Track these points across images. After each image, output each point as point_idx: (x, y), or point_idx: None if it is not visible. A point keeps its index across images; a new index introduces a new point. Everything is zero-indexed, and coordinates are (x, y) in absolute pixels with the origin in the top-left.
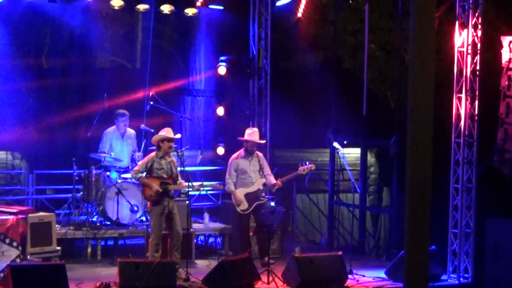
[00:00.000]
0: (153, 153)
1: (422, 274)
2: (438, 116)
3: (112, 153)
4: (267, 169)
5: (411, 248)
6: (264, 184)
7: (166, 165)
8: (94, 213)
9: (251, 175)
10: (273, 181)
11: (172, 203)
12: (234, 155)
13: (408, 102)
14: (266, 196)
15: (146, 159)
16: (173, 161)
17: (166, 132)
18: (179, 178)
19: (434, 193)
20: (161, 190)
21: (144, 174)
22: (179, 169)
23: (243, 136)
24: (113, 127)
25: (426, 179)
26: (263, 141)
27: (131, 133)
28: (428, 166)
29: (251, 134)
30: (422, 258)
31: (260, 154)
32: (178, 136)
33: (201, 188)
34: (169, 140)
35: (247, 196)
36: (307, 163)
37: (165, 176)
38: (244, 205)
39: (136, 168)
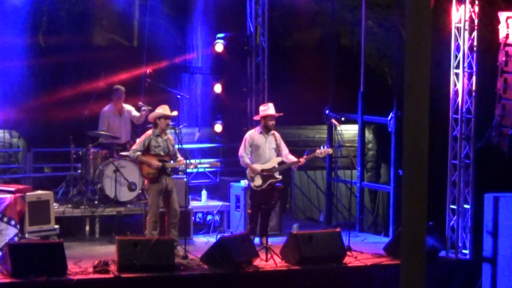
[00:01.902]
0: (149, 131)
1: (419, 251)
2: (436, 93)
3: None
4: (285, 149)
5: (408, 224)
6: (282, 162)
7: (163, 143)
8: (92, 191)
9: (266, 152)
10: (294, 158)
11: (170, 180)
12: (251, 131)
13: (405, 79)
14: (280, 176)
15: (143, 137)
16: (169, 138)
17: (163, 110)
18: (178, 155)
19: (433, 169)
20: (161, 165)
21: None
22: (176, 146)
23: (247, 115)
24: (109, 105)
25: (422, 155)
26: (281, 114)
27: (128, 109)
28: (425, 142)
29: (268, 108)
30: (419, 235)
31: (277, 134)
32: (175, 113)
33: (199, 166)
34: (166, 117)
35: (262, 173)
36: (325, 146)
37: (162, 153)
38: (259, 180)
39: (133, 147)
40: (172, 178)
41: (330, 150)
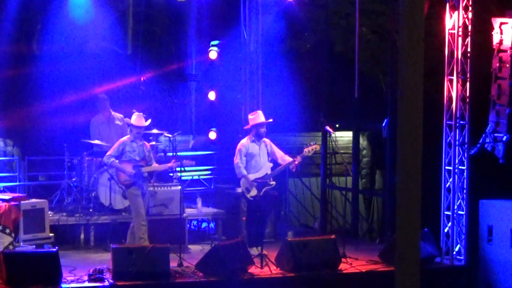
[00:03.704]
0: (125, 137)
1: (413, 257)
2: (430, 99)
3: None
4: (279, 152)
5: (403, 230)
6: (274, 167)
7: (138, 148)
8: (87, 199)
9: (261, 160)
10: (289, 159)
11: (145, 186)
12: (243, 140)
13: (398, 85)
14: (274, 181)
15: (117, 143)
16: (145, 144)
17: (134, 120)
18: (153, 161)
19: (427, 175)
20: (134, 171)
21: (116, 159)
22: (161, 153)
23: (241, 123)
24: (98, 114)
25: (416, 161)
26: (270, 120)
27: (118, 116)
28: (419, 148)
29: (257, 116)
30: (413, 241)
31: (267, 139)
32: (144, 123)
33: (176, 167)
34: (136, 127)
35: (256, 181)
36: (311, 143)
37: (137, 158)
38: (254, 191)
39: (108, 152)
40: (148, 183)
41: (317, 147)
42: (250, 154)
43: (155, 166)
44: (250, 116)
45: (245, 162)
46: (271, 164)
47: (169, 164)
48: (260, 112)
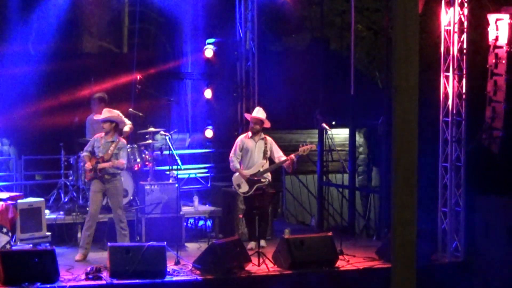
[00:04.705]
0: (100, 133)
1: (409, 253)
2: (427, 96)
3: None
4: (278, 152)
5: (399, 227)
6: (268, 165)
7: (104, 145)
8: (84, 198)
9: (255, 157)
10: (284, 159)
11: (108, 184)
12: (242, 135)
13: (392, 82)
14: (268, 179)
15: (92, 138)
16: (117, 141)
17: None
18: (120, 158)
19: (424, 172)
20: (90, 167)
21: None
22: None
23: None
24: (93, 113)
25: (412, 157)
26: (260, 117)
27: None
28: (414, 144)
29: (253, 112)
30: (410, 238)
31: (268, 138)
32: (101, 117)
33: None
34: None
35: (248, 178)
36: (306, 143)
37: (100, 155)
38: (245, 187)
39: (86, 147)
40: (111, 181)
41: (313, 146)
42: (246, 149)
43: (104, 164)
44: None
45: (240, 157)
46: (265, 162)
47: (108, 164)
48: (257, 109)
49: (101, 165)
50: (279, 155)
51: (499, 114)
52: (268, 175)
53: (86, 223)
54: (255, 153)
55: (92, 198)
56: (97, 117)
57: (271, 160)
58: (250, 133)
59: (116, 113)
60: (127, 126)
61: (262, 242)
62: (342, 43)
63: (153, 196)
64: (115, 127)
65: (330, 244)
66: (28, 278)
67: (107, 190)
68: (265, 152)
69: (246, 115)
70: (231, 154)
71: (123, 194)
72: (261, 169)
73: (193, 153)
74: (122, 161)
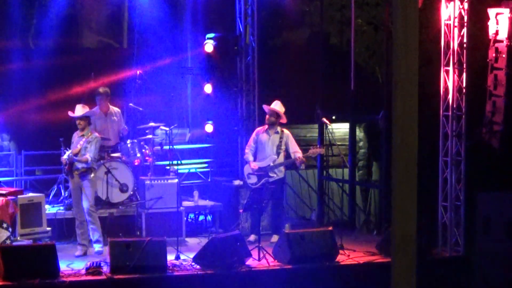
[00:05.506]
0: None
1: (410, 248)
2: (427, 90)
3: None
4: (294, 147)
5: (399, 221)
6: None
7: (77, 140)
8: None
9: (267, 150)
10: (298, 156)
11: (75, 178)
12: (259, 128)
13: (392, 76)
14: (277, 175)
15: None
16: (88, 136)
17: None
18: (86, 153)
19: (425, 166)
20: (63, 162)
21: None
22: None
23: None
24: (95, 107)
25: (412, 152)
26: (274, 108)
27: (115, 111)
28: (414, 139)
29: (272, 104)
30: (410, 232)
31: (286, 132)
32: (72, 114)
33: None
34: (73, 118)
35: (258, 171)
36: (317, 146)
37: (74, 150)
38: (254, 179)
39: None
40: (79, 176)
41: (322, 150)
42: (260, 141)
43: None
44: None
45: (254, 149)
46: (276, 157)
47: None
48: (276, 102)
49: (63, 159)
50: (294, 151)
51: (499, 109)
52: (281, 171)
53: (76, 221)
54: (268, 146)
55: (72, 195)
56: (71, 114)
57: (289, 155)
58: (266, 126)
59: (87, 108)
60: None
61: (274, 238)
62: (342, 37)
63: (153, 191)
64: (88, 121)
65: (331, 239)
66: (28, 274)
67: (82, 186)
68: (278, 147)
69: (264, 107)
70: (246, 147)
71: (94, 191)
72: (271, 164)
73: (193, 148)
74: (86, 156)
